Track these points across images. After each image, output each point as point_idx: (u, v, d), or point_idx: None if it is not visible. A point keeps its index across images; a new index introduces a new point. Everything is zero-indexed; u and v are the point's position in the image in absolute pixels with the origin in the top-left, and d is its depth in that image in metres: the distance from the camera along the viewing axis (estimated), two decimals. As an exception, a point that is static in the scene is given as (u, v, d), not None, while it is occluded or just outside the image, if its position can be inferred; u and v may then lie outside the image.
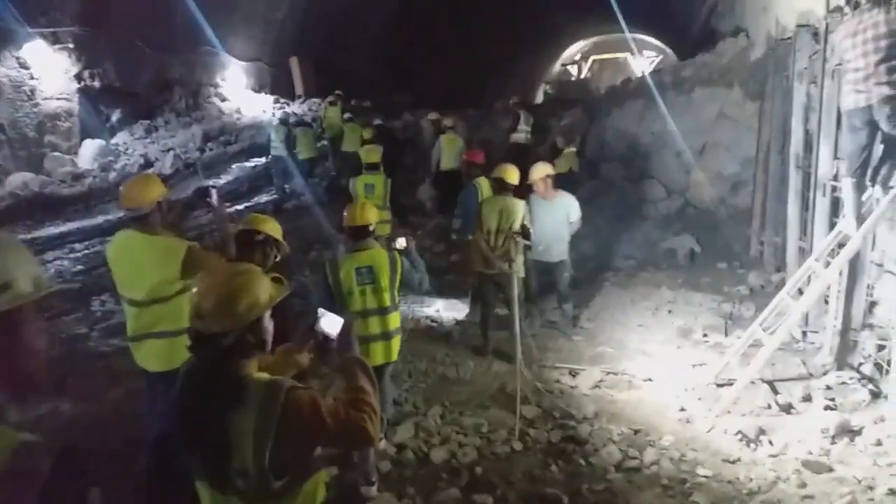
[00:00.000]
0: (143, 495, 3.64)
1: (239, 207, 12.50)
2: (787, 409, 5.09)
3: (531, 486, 4.22)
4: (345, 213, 4.40)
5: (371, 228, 4.36)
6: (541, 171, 6.67)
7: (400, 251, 4.43)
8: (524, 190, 6.49)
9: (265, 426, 1.91)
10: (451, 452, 4.57)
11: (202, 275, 2.11)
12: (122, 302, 3.92)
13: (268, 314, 2.11)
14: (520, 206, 6.00)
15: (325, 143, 14.93)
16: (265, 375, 2.06)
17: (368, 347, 4.31)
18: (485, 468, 4.38)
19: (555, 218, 6.64)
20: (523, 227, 5.73)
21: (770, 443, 4.64)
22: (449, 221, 8.35)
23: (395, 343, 4.47)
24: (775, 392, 5.33)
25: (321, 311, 2.37)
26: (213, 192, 3.97)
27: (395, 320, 4.43)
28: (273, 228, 3.84)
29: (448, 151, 11.01)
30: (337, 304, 4.20)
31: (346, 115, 14.78)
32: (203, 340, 2.00)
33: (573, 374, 5.88)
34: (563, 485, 4.23)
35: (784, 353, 5.89)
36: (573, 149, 10.98)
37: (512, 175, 6.17)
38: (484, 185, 6.85)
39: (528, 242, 5.67)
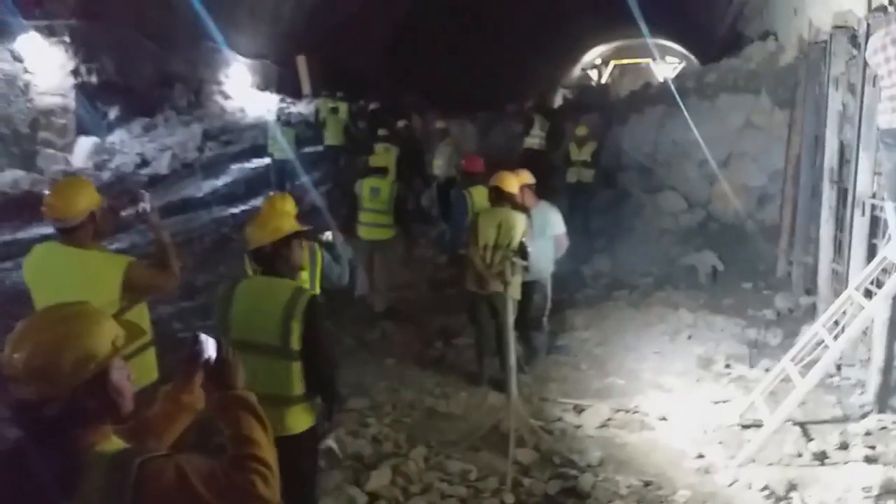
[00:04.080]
0: None
1: (235, 211, 12.03)
2: (822, 458, 4.44)
3: (522, 550, 3.60)
4: (262, 205, 4.33)
5: None
6: (518, 179, 5.83)
7: (323, 243, 4.31)
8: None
9: None
10: (431, 505, 3.95)
11: (21, 323, 1.55)
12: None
13: (119, 366, 1.58)
14: (520, 220, 5.35)
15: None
16: (113, 446, 1.54)
17: None
18: (469, 527, 3.77)
19: (531, 232, 5.71)
20: (521, 244, 5.10)
21: (803, 502, 3.98)
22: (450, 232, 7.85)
23: None
24: (807, 437, 4.68)
25: (202, 335, 1.83)
26: (147, 196, 3.37)
27: None
28: (275, 230, 3.13)
29: (449, 158, 10.51)
30: None
31: (331, 105, 14.28)
32: (24, 408, 1.47)
33: (578, 410, 5.24)
34: (560, 550, 3.61)
35: (816, 390, 5.21)
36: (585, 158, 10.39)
37: (510, 183, 5.52)
38: (477, 194, 6.25)
39: (525, 263, 5.04)
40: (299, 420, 3.07)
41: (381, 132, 11.86)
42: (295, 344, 2.99)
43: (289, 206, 4.21)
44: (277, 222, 3.19)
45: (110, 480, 1.44)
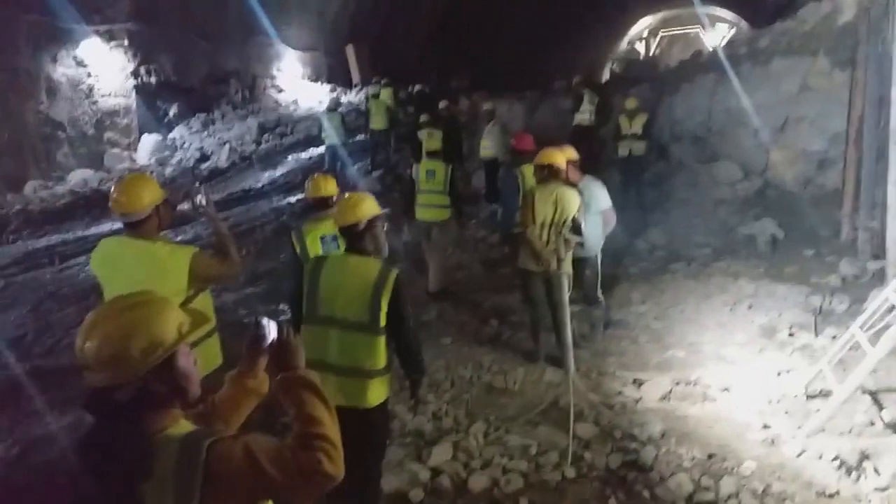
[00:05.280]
0: None
1: (292, 199, 12.29)
2: (895, 427, 4.30)
3: (585, 522, 3.63)
4: (307, 185, 4.57)
5: (333, 199, 4.41)
6: (564, 155, 5.69)
7: None
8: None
9: (185, 495, 1.48)
10: (493, 479, 3.98)
11: (90, 313, 1.63)
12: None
13: (185, 352, 1.65)
14: (575, 196, 5.28)
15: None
16: (182, 429, 1.61)
17: None
18: (531, 499, 3.79)
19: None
20: (575, 220, 5.06)
21: (876, 471, 3.86)
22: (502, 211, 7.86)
23: None
24: (879, 406, 4.53)
25: (263, 319, 1.87)
26: (201, 189, 3.49)
27: None
28: (369, 208, 3.34)
29: (497, 139, 10.53)
30: None
31: (372, 91, 14.38)
32: (96, 395, 1.54)
33: (638, 383, 5.20)
34: (623, 521, 3.62)
35: (888, 357, 4.99)
36: (636, 131, 10.21)
37: (558, 159, 5.48)
38: (528, 173, 6.22)
39: (579, 239, 5.01)
40: (377, 393, 3.22)
41: (423, 118, 11.96)
42: (383, 320, 3.14)
43: (331, 184, 4.48)
44: (369, 203, 3.35)
45: (181, 462, 1.51)
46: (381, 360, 3.20)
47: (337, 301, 3.17)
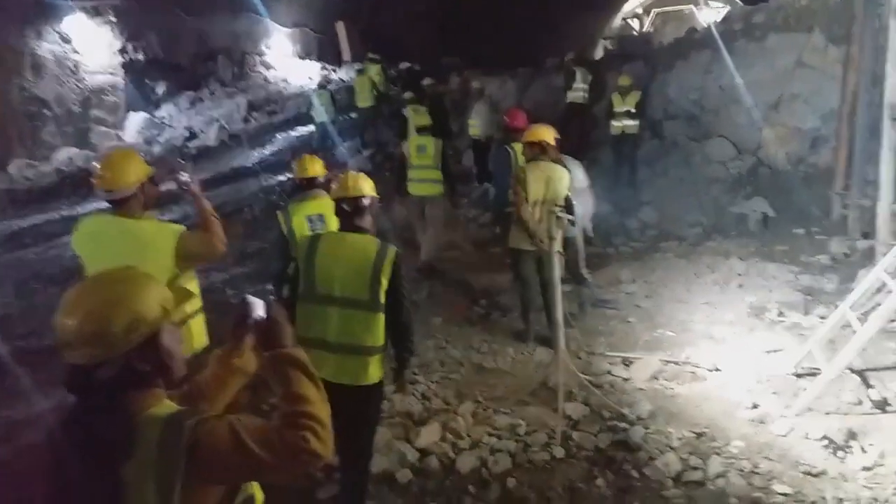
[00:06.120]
0: None
1: (282, 178, 12.18)
2: (883, 406, 4.30)
3: (573, 502, 3.62)
4: (293, 166, 4.57)
5: (320, 180, 4.47)
6: (550, 133, 5.63)
7: None
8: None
9: (168, 475, 1.44)
10: (481, 459, 3.97)
11: (71, 289, 1.57)
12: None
13: (170, 330, 1.59)
14: (566, 174, 5.27)
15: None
16: (166, 409, 1.56)
17: None
18: (519, 479, 3.79)
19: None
20: (567, 198, 5.02)
21: (863, 450, 3.88)
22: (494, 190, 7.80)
23: None
24: (867, 385, 4.54)
25: (249, 297, 1.81)
26: (185, 166, 3.42)
27: None
28: (372, 186, 3.37)
29: (485, 118, 10.47)
30: (292, 251, 4.07)
31: (357, 67, 14.26)
32: (77, 374, 1.48)
33: (627, 363, 5.19)
34: (611, 501, 3.62)
35: (876, 337, 5.01)
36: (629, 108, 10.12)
37: (549, 135, 5.43)
38: (521, 150, 6.18)
39: (571, 217, 4.97)
40: (377, 370, 3.21)
41: (407, 95, 11.90)
42: (382, 297, 3.12)
43: (318, 165, 4.50)
44: (371, 183, 3.36)
45: (164, 442, 1.46)
46: (380, 337, 3.19)
47: (335, 279, 3.13)
